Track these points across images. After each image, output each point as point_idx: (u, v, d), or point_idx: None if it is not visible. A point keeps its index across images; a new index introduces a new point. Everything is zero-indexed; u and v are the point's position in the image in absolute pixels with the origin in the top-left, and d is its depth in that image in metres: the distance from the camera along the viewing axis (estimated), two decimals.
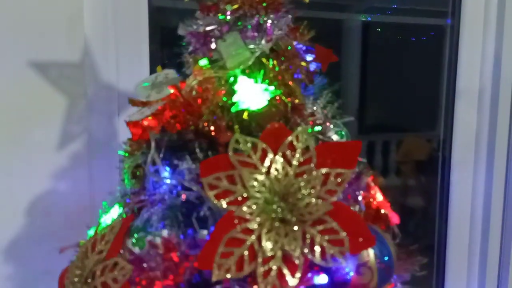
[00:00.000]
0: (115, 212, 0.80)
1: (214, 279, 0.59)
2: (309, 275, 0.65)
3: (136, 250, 0.67)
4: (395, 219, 0.85)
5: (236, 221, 0.61)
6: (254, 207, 0.62)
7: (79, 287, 0.69)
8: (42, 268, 1.20)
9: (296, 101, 0.73)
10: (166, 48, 1.42)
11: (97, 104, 1.24)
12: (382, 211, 0.82)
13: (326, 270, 0.67)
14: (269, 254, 0.60)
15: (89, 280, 0.67)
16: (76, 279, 0.70)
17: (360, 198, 0.76)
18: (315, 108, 0.74)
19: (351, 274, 0.66)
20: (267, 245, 0.60)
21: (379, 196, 0.85)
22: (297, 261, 0.60)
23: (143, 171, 0.75)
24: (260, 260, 0.60)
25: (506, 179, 1.46)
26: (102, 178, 1.22)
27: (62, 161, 1.25)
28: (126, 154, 0.78)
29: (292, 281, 0.60)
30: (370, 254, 0.66)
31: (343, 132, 0.78)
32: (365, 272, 0.66)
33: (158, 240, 0.65)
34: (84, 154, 1.26)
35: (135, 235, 0.68)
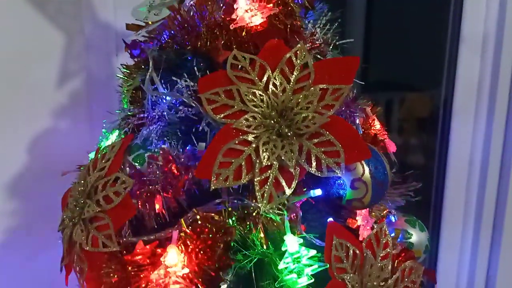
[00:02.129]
0: (114, 137, 0.81)
1: (212, 187, 0.61)
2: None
3: (136, 166, 0.68)
4: (392, 147, 0.87)
5: (234, 132, 0.62)
6: (251, 120, 0.63)
7: (81, 202, 0.71)
8: (44, 204, 1.22)
9: (296, 22, 0.72)
10: None
11: (95, 42, 1.23)
12: (380, 138, 0.83)
13: (322, 185, 0.69)
14: (266, 164, 0.61)
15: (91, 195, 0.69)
16: (78, 195, 0.72)
17: (357, 121, 0.76)
18: (313, 31, 0.74)
19: (346, 189, 0.68)
20: (264, 155, 0.61)
21: (377, 125, 0.86)
22: (293, 172, 0.61)
23: (141, 93, 0.76)
24: (257, 170, 0.61)
25: (506, 129, 1.46)
26: (101, 117, 1.23)
27: (61, 100, 1.25)
28: (124, 78, 0.78)
29: (288, 190, 0.61)
30: (365, 169, 0.67)
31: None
32: (360, 186, 0.67)
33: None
34: (83, 93, 1.26)
35: (135, 152, 0.70)
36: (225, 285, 0.72)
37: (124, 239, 0.68)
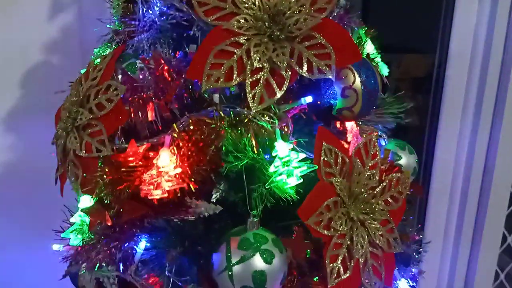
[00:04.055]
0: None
1: (203, 88, 0.61)
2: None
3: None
4: (384, 70, 0.87)
5: (225, 34, 0.62)
6: (243, 22, 0.62)
7: (74, 112, 0.71)
8: (41, 139, 1.23)
9: None
10: None
11: None
12: (372, 58, 0.83)
13: (313, 94, 0.70)
14: (257, 66, 0.61)
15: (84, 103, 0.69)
16: (71, 106, 0.72)
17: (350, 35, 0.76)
18: None
19: (337, 97, 0.68)
20: (256, 57, 0.61)
21: (370, 46, 0.86)
22: (284, 74, 0.62)
23: (132, 6, 0.75)
24: (248, 72, 0.61)
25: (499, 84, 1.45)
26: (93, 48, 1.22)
27: (53, 34, 1.24)
28: None
29: (279, 92, 0.62)
30: (356, 77, 0.67)
31: None
32: (350, 94, 0.68)
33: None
34: (75, 27, 1.25)
35: (127, 61, 0.69)
36: (217, 194, 0.73)
37: (117, 146, 0.68)
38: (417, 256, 0.92)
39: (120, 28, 0.74)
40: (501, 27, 1.39)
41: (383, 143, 0.92)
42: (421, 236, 0.95)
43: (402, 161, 0.90)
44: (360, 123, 0.83)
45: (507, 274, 1.64)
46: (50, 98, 0.88)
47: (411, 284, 0.89)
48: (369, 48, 0.85)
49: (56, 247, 0.78)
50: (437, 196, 1.54)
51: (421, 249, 0.93)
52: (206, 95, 0.71)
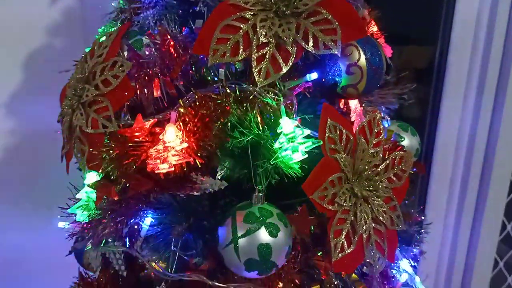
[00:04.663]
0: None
1: (209, 63, 0.61)
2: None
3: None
4: (388, 51, 0.87)
5: (231, 9, 0.62)
6: None
7: (80, 89, 0.71)
8: (42, 124, 1.23)
9: None
10: None
11: None
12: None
13: (318, 71, 0.70)
14: (263, 40, 0.61)
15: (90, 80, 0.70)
16: (77, 83, 0.72)
17: None
18: None
19: (342, 75, 0.69)
20: (262, 32, 0.61)
21: (374, 28, 0.86)
22: (290, 49, 0.62)
23: None
24: (254, 46, 0.62)
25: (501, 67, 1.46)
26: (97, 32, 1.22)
27: (56, 17, 1.23)
28: None
29: (284, 67, 0.62)
30: (361, 54, 0.68)
31: None
32: (355, 71, 0.68)
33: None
34: (77, 6, 1.24)
35: (132, 38, 0.70)
36: (223, 171, 0.74)
37: (123, 123, 0.69)
38: (418, 237, 0.93)
39: (125, 6, 0.74)
40: (502, 21, 1.40)
41: (386, 125, 0.92)
42: (422, 218, 0.96)
43: (405, 142, 0.90)
44: (364, 104, 0.84)
45: (506, 262, 1.65)
46: (53, 78, 0.88)
47: (413, 264, 0.90)
48: (374, 28, 0.86)
49: (61, 224, 0.79)
50: (438, 183, 1.55)
51: (422, 230, 0.94)
52: (209, 77, 0.72)
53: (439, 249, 1.62)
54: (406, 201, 0.93)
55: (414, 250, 0.92)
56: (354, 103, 0.79)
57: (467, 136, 1.52)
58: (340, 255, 0.65)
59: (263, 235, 0.62)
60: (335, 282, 0.76)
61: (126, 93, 0.67)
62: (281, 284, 0.67)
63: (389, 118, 0.91)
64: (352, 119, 0.80)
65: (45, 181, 1.17)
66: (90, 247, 0.73)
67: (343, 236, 0.66)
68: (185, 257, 0.67)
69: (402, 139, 0.90)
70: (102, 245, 0.71)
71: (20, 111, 1.25)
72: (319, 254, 0.70)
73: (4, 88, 1.22)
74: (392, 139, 0.87)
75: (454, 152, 1.54)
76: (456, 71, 1.46)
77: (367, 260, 0.67)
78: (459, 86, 1.48)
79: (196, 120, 0.64)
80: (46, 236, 0.95)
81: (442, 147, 1.54)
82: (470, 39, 1.44)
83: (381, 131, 0.73)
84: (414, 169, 0.82)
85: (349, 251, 0.65)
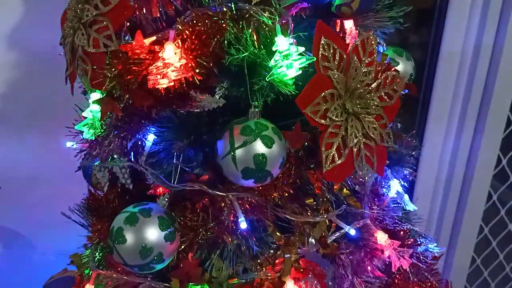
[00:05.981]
0: None
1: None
2: None
3: None
4: None
5: None
6: None
7: (80, 9, 0.73)
8: (43, 104, 1.24)
9: None
10: None
11: None
12: None
13: None
14: None
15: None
16: (77, 4, 0.74)
17: None
18: None
19: None
20: None
21: None
22: None
23: None
24: None
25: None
26: None
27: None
28: None
29: None
30: None
31: None
32: None
33: None
34: None
35: None
36: (221, 91, 0.77)
37: (124, 42, 0.71)
38: (410, 159, 0.97)
39: None
40: (490, 38, 1.42)
41: (381, 50, 0.94)
42: (414, 142, 1.00)
43: (400, 67, 0.92)
44: (359, 28, 0.85)
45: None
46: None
47: (402, 183, 0.95)
48: None
49: (69, 144, 0.84)
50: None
51: (413, 153, 0.98)
52: None
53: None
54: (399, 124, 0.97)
55: (405, 171, 0.97)
56: (349, 26, 0.80)
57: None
58: (330, 165, 0.69)
59: (259, 146, 0.66)
60: (328, 196, 0.81)
61: (125, 12, 0.69)
62: (276, 194, 0.72)
63: (384, 43, 0.92)
64: (347, 42, 0.81)
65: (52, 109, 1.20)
66: (97, 163, 0.78)
67: (334, 149, 0.70)
68: (186, 169, 0.72)
69: (397, 63, 0.92)
70: (109, 160, 0.76)
71: (21, 96, 1.25)
72: (311, 166, 0.75)
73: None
74: (386, 62, 0.89)
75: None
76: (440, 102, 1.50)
77: (357, 171, 0.72)
78: (444, 104, 1.53)
79: (193, 37, 0.66)
80: (57, 155, 1.00)
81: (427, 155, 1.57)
82: (454, 76, 1.48)
83: (374, 51, 0.75)
84: (406, 90, 0.85)
85: (339, 162, 0.70)
